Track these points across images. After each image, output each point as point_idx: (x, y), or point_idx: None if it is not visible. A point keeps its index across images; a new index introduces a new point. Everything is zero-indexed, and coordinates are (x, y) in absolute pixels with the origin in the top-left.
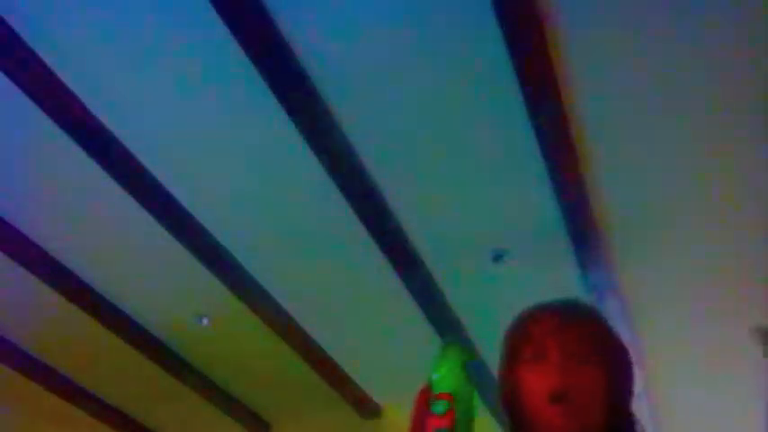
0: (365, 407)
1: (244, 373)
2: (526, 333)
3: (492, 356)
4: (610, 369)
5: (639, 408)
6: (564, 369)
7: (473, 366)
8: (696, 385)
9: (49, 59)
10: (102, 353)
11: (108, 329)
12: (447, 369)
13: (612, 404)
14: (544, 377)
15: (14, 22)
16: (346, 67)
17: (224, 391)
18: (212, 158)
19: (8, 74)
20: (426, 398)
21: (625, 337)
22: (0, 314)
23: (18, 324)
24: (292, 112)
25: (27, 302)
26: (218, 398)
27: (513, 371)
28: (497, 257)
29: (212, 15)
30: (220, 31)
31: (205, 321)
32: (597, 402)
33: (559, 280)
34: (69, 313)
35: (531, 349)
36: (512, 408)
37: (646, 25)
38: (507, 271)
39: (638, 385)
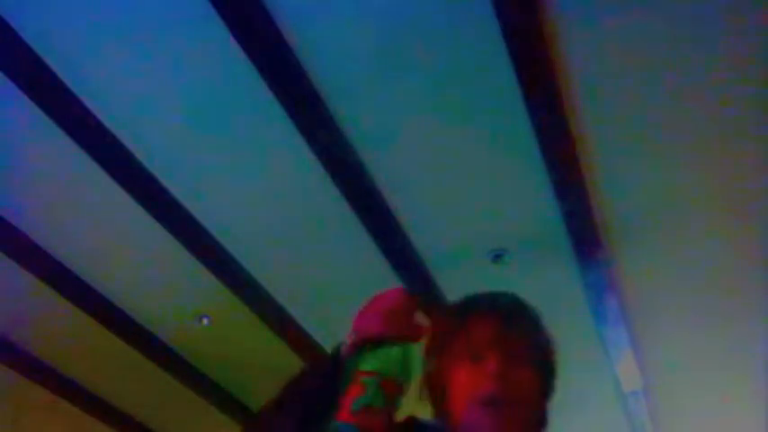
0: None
1: (244, 373)
2: (466, 331)
3: None
4: (541, 370)
5: (639, 408)
6: (501, 375)
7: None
8: (696, 385)
9: (55, 66)
10: (102, 352)
11: (107, 329)
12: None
13: (540, 403)
14: (480, 380)
15: (18, 25)
16: (344, 64)
17: (224, 391)
18: (212, 159)
19: (8, 74)
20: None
21: (625, 337)
22: None
23: (16, 324)
24: (292, 112)
25: (25, 302)
26: (218, 398)
27: (448, 364)
28: (497, 258)
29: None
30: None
31: (205, 321)
32: (527, 403)
33: (559, 280)
34: (68, 313)
35: (469, 349)
36: (438, 397)
37: (646, 25)
38: (507, 271)
39: (637, 384)
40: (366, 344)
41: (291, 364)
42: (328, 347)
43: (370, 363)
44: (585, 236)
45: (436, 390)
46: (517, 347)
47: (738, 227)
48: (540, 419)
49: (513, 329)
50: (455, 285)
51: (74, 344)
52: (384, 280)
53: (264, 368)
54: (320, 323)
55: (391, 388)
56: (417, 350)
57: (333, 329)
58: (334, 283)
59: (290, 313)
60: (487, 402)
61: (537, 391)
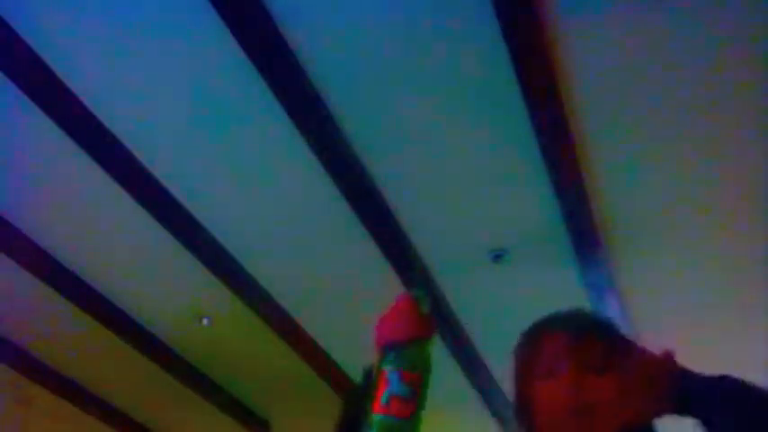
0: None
1: (244, 373)
2: (539, 349)
3: (491, 355)
4: (623, 378)
5: None
6: (581, 382)
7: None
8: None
9: (55, 66)
10: (102, 352)
11: (108, 329)
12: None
13: (631, 414)
14: (561, 391)
15: (18, 25)
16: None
17: (224, 391)
18: (212, 159)
19: (9, 74)
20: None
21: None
22: None
23: (16, 324)
24: (292, 112)
25: (26, 302)
26: (218, 398)
27: (528, 386)
28: (497, 257)
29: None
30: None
31: (205, 321)
32: (615, 413)
33: (559, 280)
34: (68, 313)
35: (545, 365)
36: (527, 422)
37: (646, 25)
38: (507, 271)
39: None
40: (385, 350)
41: (291, 363)
42: (328, 346)
43: (390, 362)
44: (585, 236)
45: (522, 413)
46: (591, 357)
47: (738, 227)
48: (639, 424)
49: (584, 340)
50: (455, 285)
51: (74, 344)
52: (384, 280)
53: (264, 368)
54: (320, 323)
55: (411, 378)
56: (425, 341)
57: (333, 329)
58: (334, 283)
59: (290, 313)
60: (574, 411)
61: (622, 399)
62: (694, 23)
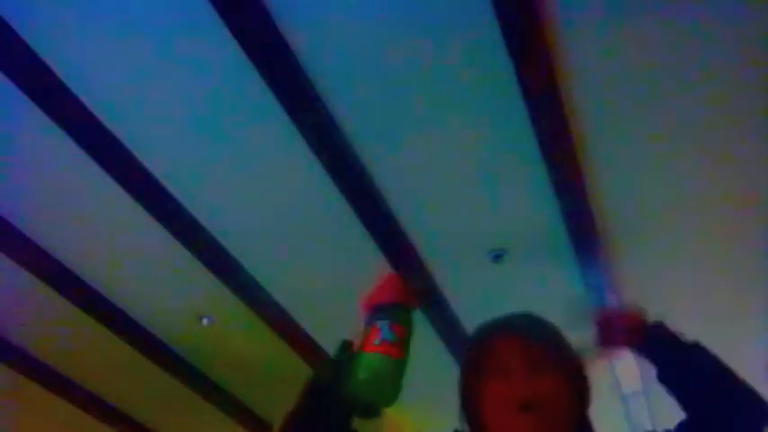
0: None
1: (244, 373)
2: (490, 348)
3: None
4: (571, 379)
5: (639, 408)
6: (530, 379)
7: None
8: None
9: (55, 66)
10: (101, 352)
11: (107, 329)
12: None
13: (573, 410)
14: (511, 387)
15: (18, 25)
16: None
17: (224, 391)
18: (212, 159)
19: (8, 74)
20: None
21: None
22: None
23: (16, 324)
24: (292, 112)
25: (26, 302)
26: (218, 398)
27: (478, 382)
28: (497, 257)
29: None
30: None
31: (205, 321)
32: (562, 410)
33: (559, 280)
34: (68, 313)
35: (496, 363)
36: (475, 418)
37: (645, 25)
38: (507, 271)
39: (637, 384)
40: (374, 310)
41: (291, 363)
42: (328, 347)
43: (379, 318)
44: (585, 236)
45: (471, 410)
46: (541, 359)
47: (738, 227)
48: (580, 426)
49: (534, 343)
50: (455, 285)
51: (73, 344)
52: None
53: (264, 368)
54: (320, 323)
55: (399, 329)
56: (409, 309)
57: (333, 329)
58: (334, 282)
59: (290, 313)
60: (519, 408)
61: (567, 397)
62: (695, 23)
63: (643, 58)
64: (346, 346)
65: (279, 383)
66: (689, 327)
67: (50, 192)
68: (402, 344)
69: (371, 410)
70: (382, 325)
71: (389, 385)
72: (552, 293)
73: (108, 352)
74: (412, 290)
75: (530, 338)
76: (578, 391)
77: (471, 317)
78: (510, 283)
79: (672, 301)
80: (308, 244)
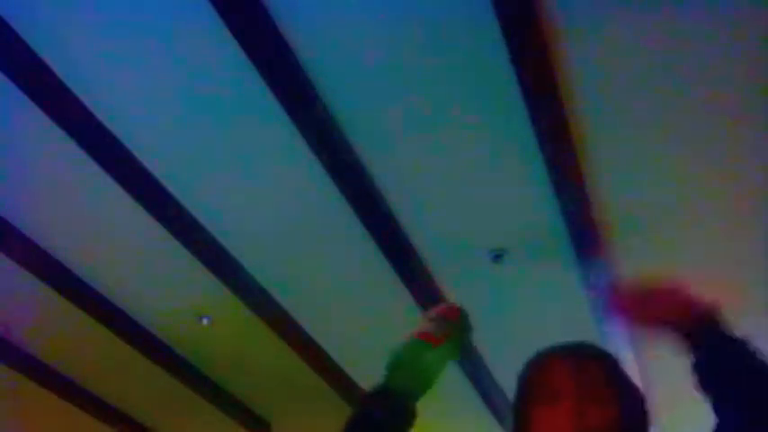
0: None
1: (244, 373)
2: (541, 374)
3: (492, 355)
4: (624, 407)
5: None
6: (578, 412)
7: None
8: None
9: (55, 66)
10: (102, 352)
11: (108, 329)
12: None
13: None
14: (558, 419)
15: (18, 25)
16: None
17: (224, 391)
18: (212, 159)
19: (9, 74)
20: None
21: (625, 338)
22: None
23: (16, 324)
24: (292, 112)
25: (26, 302)
26: (218, 398)
27: (527, 409)
28: (497, 257)
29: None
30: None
31: (205, 321)
32: None
33: (559, 280)
34: (68, 313)
35: (545, 391)
36: None
37: (645, 24)
38: (507, 271)
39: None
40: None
41: (291, 363)
42: (328, 347)
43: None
44: (585, 236)
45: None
46: (594, 388)
47: (738, 227)
48: None
49: (588, 371)
50: (456, 285)
51: (74, 344)
52: (384, 280)
53: (264, 368)
54: (320, 323)
55: (446, 332)
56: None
57: (333, 329)
58: (334, 282)
59: (290, 313)
60: None
61: (619, 428)
62: (695, 23)
63: (643, 59)
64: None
65: (279, 383)
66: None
67: (50, 192)
68: (445, 338)
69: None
70: (431, 321)
71: (417, 369)
72: (552, 293)
73: (108, 352)
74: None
75: (581, 363)
76: (634, 421)
77: (471, 317)
78: (510, 283)
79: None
80: (309, 244)
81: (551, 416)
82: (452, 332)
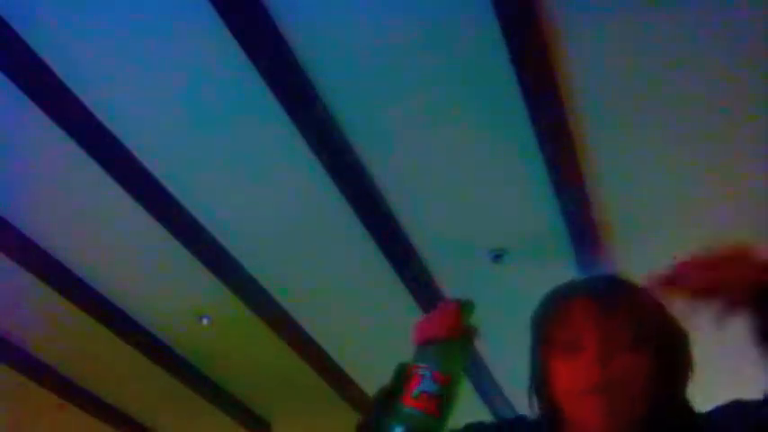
0: (365, 406)
1: (244, 373)
2: (561, 317)
3: (492, 355)
4: (658, 353)
5: None
6: (603, 361)
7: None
8: (697, 385)
9: (55, 66)
10: (101, 352)
11: (108, 329)
12: (460, 345)
13: (658, 393)
14: (580, 369)
15: (18, 25)
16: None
17: (224, 391)
18: (213, 159)
19: (9, 74)
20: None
21: None
22: None
23: (16, 324)
24: (292, 112)
25: (26, 302)
26: (218, 398)
27: (546, 358)
28: (497, 257)
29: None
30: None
31: (205, 321)
32: (639, 393)
33: (559, 280)
34: (68, 313)
35: (566, 336)
36: (542, 397)
37: (645, 24)
38: (507, 271)
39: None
40: (423, 346)
41: (291, 363)
42: (328, 347)
43: (425, 359)
44: (585, 236)
45: (539, 383)
46: (619, 331)
47: (738, 228)
48: (672, 407)
49: (612, 312)
50: (456, 285)
51: (74, 344)
52: (384, 280)
53: (264, 368)
54: (320, 323)
55: (443, 379)
56: (463, 345)
57: (333, 329)
58: (334, 282)
59: (290, 313)
60: (589, 393)
61: (651, 375)
62: (695, 23)
63: (643, 59)
64: (401, 370)
65: (279, 383)
66: (688, 326)
67: (51, 192)
68: (443, 398)
69: None
70: (424, 372)
71: None
72: None
73: (108, 352)
74: (468, 326)
75: (606, 305)
76: (668, 366)
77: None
78: (510, 283)
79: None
80: (308, 244)
81: (573, 366)
82: (454, 369)
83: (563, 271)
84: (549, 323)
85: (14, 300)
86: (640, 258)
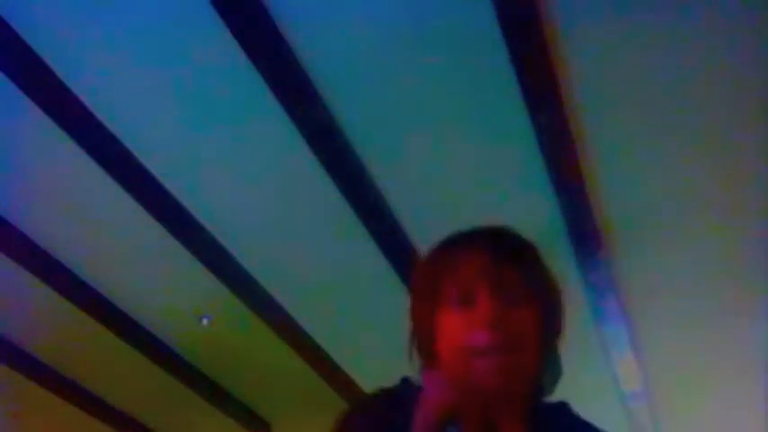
0: None
1: (244, 373)
2: (452, 270)
3: None
4: (543, 308)
5: (640, 408)
6: (496, 320)
7: None
8: (696, 385)
9: (55, 66)
10: (101, 352)
11: (108, 329)
12: None
13: (544, 346)
14: (472, 327)
15: (18, 25)
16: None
17: (224, 391)
18: (212, 159)
19: (9, 74)
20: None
21: (625, 337)
22: None
23: (16, 324)
24: (292, 112)
25: (25, 301)
26: (218, 398)
27: (434, 312)
28: None
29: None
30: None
31: (205, 321)
32: (528, 348)
33: (559, 280)
34: (68, 313)
35: (456, 291)
36: (427, 352)
37: (646, 24)
38: None
39: (637, 384)
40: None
41: (291, 364)
42: (328, 347)
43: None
44: (586, 236)
45: (424, 338)
46: (512, 285)
47: (738, 227)
48: (548, 363)
49: (506, 265)
50: None
51: (74, 344)
52: (384, 280)
53: (264, 368)
54: (320, 323)
55: None
56: None
57: (333, 329)
58: (335, 282)
59: (290, 313)
60: (482, 353)
61: (539, 333)
62: (695, 23)
63: (643, 59)
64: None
65: (279, 384)
66: (689, 325)
67: (50, 192)
68: None
69: None
70: None
71: None
72: None
73: (108, 352)
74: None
75: (499, 257)
76: (549, 320)
77: None
78: None
79: (672, 299)
80: (309, 244)
81: (464, 319)
82: None
83: (563, 271)
84: (438, 275)
85: (14, 300)
86: (640, 258)
